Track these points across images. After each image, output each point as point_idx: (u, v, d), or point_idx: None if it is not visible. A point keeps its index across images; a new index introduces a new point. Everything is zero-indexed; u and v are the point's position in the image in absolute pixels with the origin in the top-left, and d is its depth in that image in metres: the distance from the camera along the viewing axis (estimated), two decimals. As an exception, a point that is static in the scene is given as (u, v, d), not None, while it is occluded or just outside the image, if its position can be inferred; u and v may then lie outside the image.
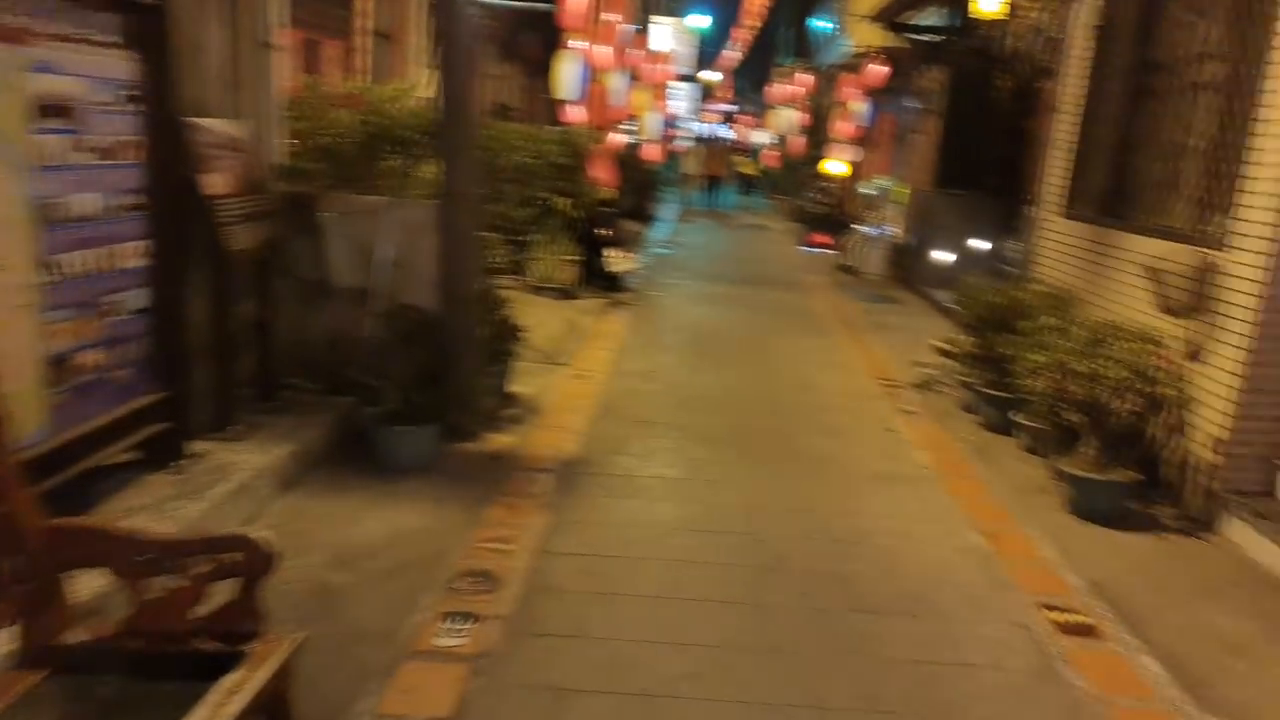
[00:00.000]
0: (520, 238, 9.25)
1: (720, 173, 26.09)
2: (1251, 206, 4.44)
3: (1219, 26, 4.95)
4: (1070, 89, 6.77)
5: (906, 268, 12.14)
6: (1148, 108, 5.76)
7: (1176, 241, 5.07)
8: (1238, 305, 4.51)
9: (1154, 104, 5.68)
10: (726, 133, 41.31)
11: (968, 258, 10.41)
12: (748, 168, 26.71)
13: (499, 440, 5.25)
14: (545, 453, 5.10)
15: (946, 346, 6.93)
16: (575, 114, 10.44)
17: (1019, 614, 3.63)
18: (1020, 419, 5.68)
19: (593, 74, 10.25)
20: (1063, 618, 3.59)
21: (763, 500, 4.69)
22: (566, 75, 9.49)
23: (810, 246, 16.38)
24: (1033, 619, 3.59)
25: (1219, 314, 4.64)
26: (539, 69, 11.38)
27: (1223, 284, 4.63)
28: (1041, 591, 3.82)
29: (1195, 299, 4.79)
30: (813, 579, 3.84)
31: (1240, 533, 4.37)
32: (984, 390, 6.20)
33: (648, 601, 3.58)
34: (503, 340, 5.76)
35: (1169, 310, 4.87)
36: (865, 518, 4.54)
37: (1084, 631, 3.50)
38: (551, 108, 11.37)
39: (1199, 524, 4.61)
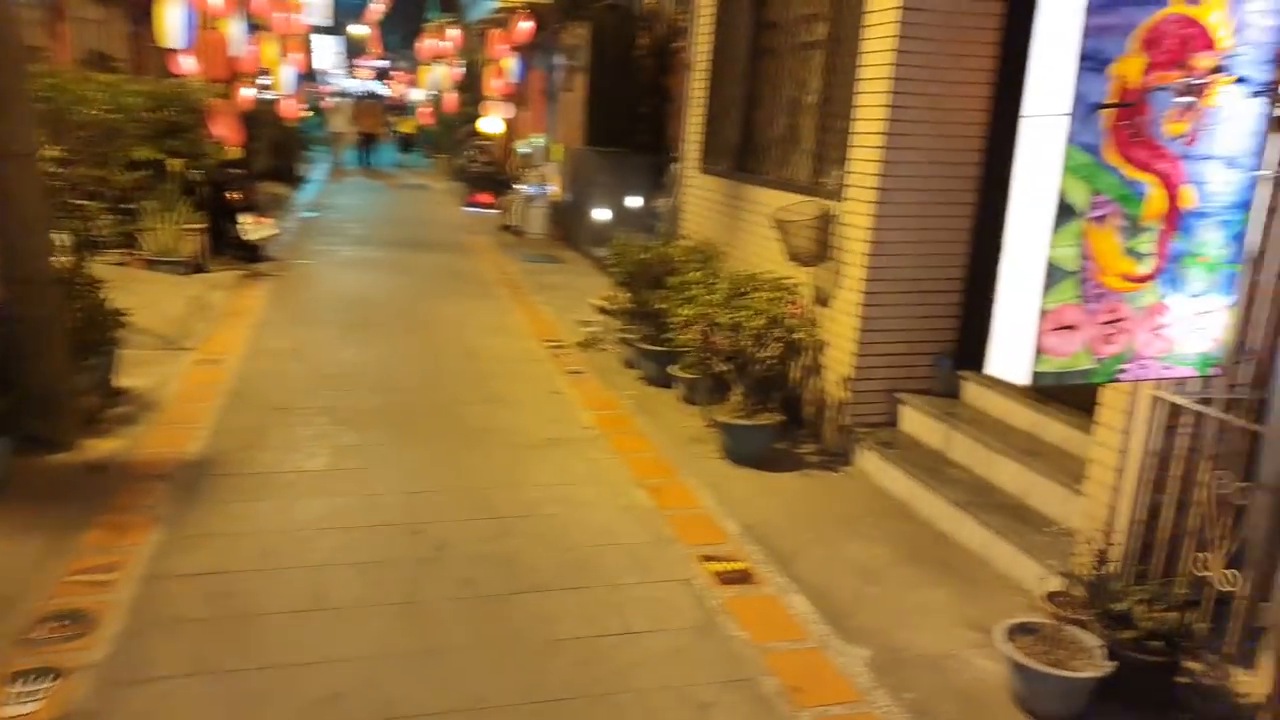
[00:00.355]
0: (128, 205, 7.98)
1: (376, 131, 24.83)
2: (859, 159, 4.78)
3: (825, -8, 5.26)
4: (700, 47, 6.97)
5: (568, 226, 12.20)
6: (768, 66, 6.06)
7: (799, 193, 5.38)
8: (853, 252, 4.85)
9: (773, 62, 5.97)
10: (382, 89, 39.45)
11: (624, 214, 10.61)
12: (405, 126, 25.62)
13: (101, 446, 4.42)
14: (162, 455, 4.38)
15: (605, 304, 6.96)
16: (186, 65, 9.16)
17: (681, 569, 3.64)
18: (677, 371, 5.82)
19: (203, 20, 9.02)
20: (721, 567, 3.65)
21: (422, 484, 4.36)
22: (171, 20, 8.25)
23: (473, 207, 16.01)
24: (694, 572, 3.61)
25: (840, 261, 4.98)
26: (145, 13, 9.85)
27: (840, 233, 4.97)
28: (702, 542, 3.88)
29: (819, 248, 5.10)
30: (476, 564, 3.59)
31: (870, 462, 4.76)
32: (642, 345, 6.28)
33: (287, 619, 3.13)
34: (99, 327, 4.86)
35: (797, 259, 5.16)
36: (531, 488, 4.37)
37: (741, 579, 3.58)
38: (163, 58, 9.92)
39: (838, 458, 4.97)
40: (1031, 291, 2.63)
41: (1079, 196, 2.56)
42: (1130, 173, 2.59)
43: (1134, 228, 2.64)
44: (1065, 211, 2.56)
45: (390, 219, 14.71)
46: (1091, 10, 2.44)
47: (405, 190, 19.46)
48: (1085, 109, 2.51)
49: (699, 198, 7.11)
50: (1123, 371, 2.77)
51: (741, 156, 6.41)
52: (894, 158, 4.63)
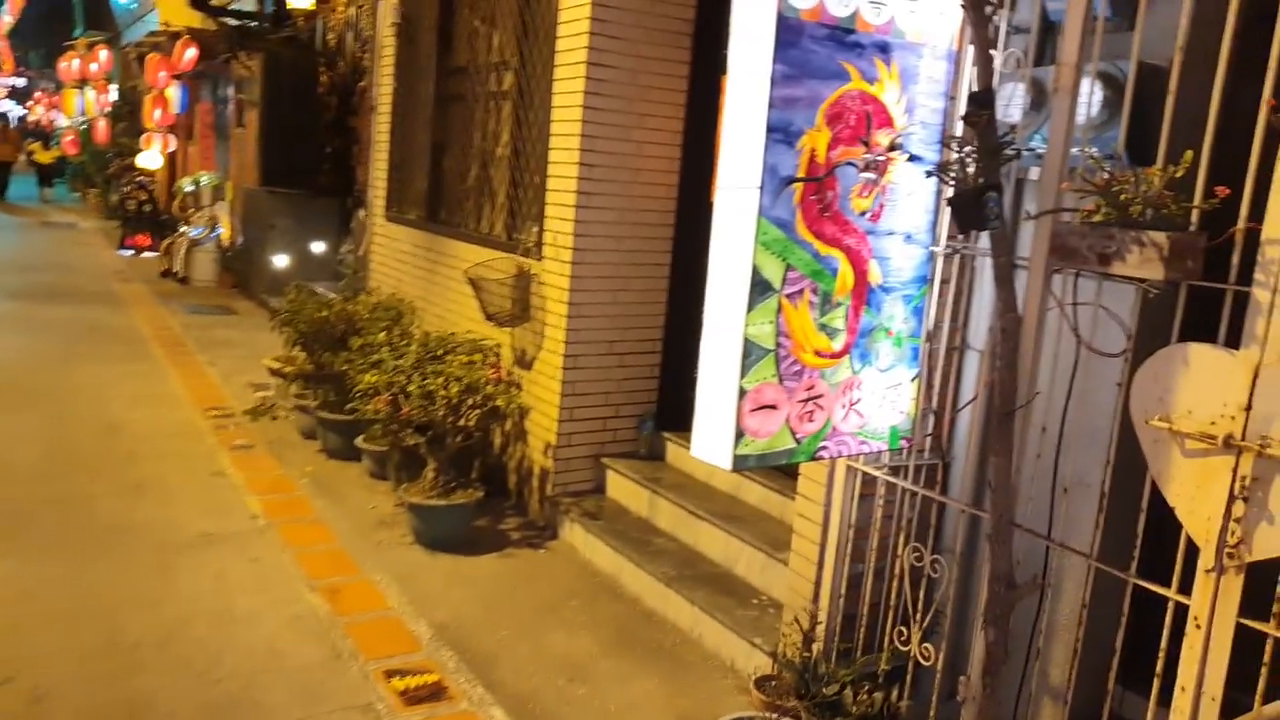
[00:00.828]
0: None
1: (10, 158, 21.48)
2: (554, 217, 4.55)
3: (508, 37, 5.03)
4: (384, 90, 6.51)
5: (242, 273, 11.05)
6: (458, 113, 5.72)
7: (497, 249, 5.07)
8: (554, 313, 4.61)
9: (462, 110, 5.65)
10: (18, 111, 34.49)
11: (307, 261, 9.77)
12: (44, 155, 22.39)
13: None
14: None
15: (279, 366, 6.21)
16: None
17: (361, 692, 3.12)
18: (363, 444, 5.25)
19: None
20: (409, 683, 3.17)
21: (22, 610, 3.46)
22: None
23: (129, 249, 14.16)
24: (377, 695, 3.10)
25: (541, 322, 4.71)
26: None
27: (540, 292, 4.71)
28: (387, 653, 3.37)
29: (519, 307, 4.81)
30: (90, 720, 2.84)
31: (576, 535, 4.49)
32: (323, 414, 5.63)
33: None
34: None
35: (495, 320, 4.83)
36: (176, 603, 3.63)
37: (432, 695, 3.12)
38: None
39: (544, 532, 4.65)
40: (731, 370, 2.47)
41: (773, 272, 2.44)
42: (821, 248, 2.52)
43: (826, 303, 2.57)
44: (761, 287, 2.43)
45: (24, 263, 12.55)
46: (777, 82, 2.33)
47: (47, 229, 16.85)
48: (777, 182, 2.39)
49: (388, 248, 6.59)
50: (823, 449, 2.69)
51: (434, 207, 6.00)
52: (588, 216, 4.45)
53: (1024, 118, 2.75)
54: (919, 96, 2.62)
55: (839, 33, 2.42)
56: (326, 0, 9.69)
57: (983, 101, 2.32)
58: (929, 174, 2.49)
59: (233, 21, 10.24)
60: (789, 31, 2.33)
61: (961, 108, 2.72)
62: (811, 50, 2.39)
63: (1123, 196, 2.07)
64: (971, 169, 2.29)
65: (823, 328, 2.57)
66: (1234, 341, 1.99)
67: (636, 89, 4.46)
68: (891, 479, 2.98)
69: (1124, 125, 2.32)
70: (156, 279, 11.84)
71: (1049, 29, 2.93)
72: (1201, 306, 2.14)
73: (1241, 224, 1.97)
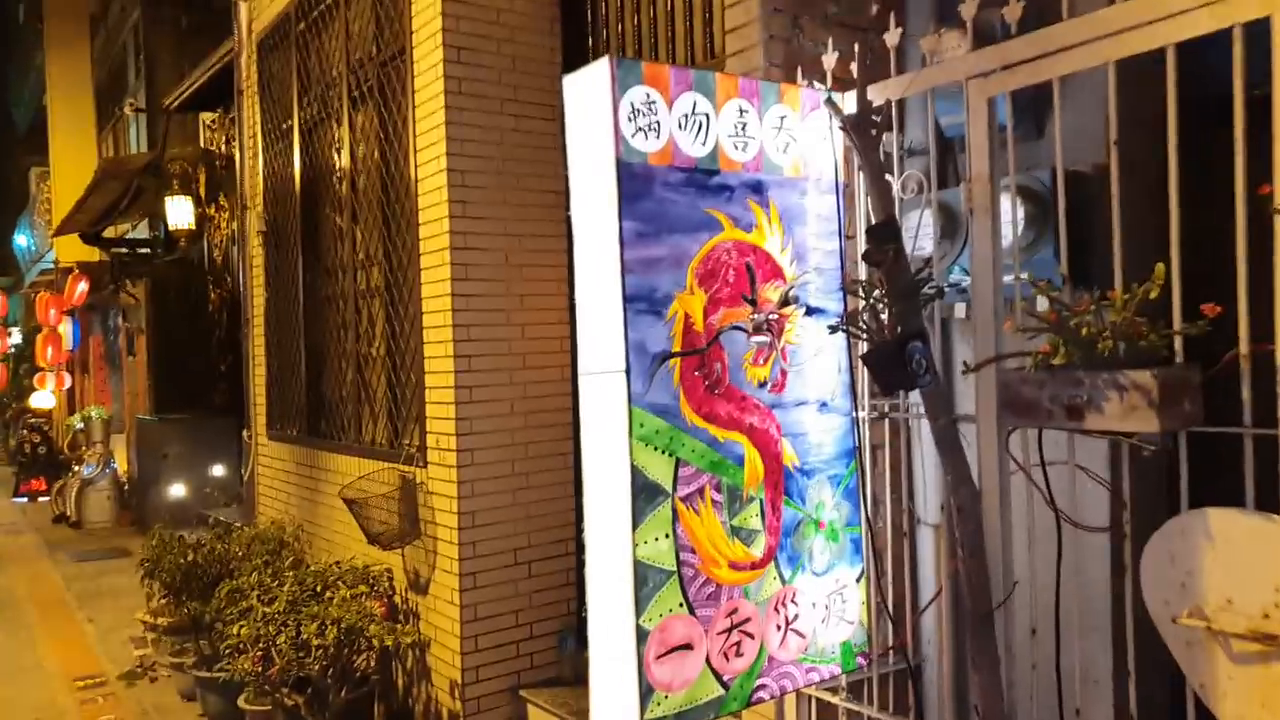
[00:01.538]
0: None
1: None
2: (435, 418, 4.01)
3: (373, 230, 4.64)
4: (257, 300, 6.05)
5: (139, 509, 10.17)
6: (330, 316, 5.25)
7: (380, 459, 4.48)
8: (443, 525, 3.99)
9: (334, 312, 5.18)
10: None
11: (207, 488, 9.02)
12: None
13: None
14: None
15: (150, 619, 5.40)
16: None
17: None
18: (245, 705, 4.43)
19: None
20: None
21: None
22: None
23: (24, 496, 13.16)
24: None
25: (432, 538, 4.08)
26: None
27: (427, 502, 4.10)
28: None
29: (406, 524, 4.18)
30: None
31: (493, 797, 3.70)
32: (200, 673, 4.80)
33: None
34: None
35: (379, 543, 4.18)
36: None
37: None
38: None
39: (455, 793, 3.85)
40: (624, 606, 1.89)
41: (661, 471, 1.91)
42: (718, 433, 2.01)
43: (735, 501, 2.03)
44: (648, 493, 1.89)
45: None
46: (630, 242, 1.88)
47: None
48: (648, 362, 1.90)
49: (273, 469, 5.94)
50: (760, 689, 2.08)
51: (314, 419, 5.42)
52: (473, 412, 3.92)
53: (936, 249, 2.35)
54: (809, 239, 2.20)
55: (699, 176, 2.00)
56: (210, 219, 9.40)
57: (886, 235, 1.89)
58: (834, 329, 2.03)
59: (123, 251, 9.88)
60: (636, 180, 1.90)
61: (862, 245, 2.30)
62: (668, 200, 1.95)
63: (1084, 331, 1.61)
64: (885, 316, 1.83)
65: (735, 532, 2.02)
66: (1267, 501, 1.49)
67: (512, 269, 4.04)
68: (853, 706, 2.36)
69: (1063, 241, 1.90)
70: (49, 526, 10.88)
71: (947, 148, 2.59)
72: (1200, 452, 1.66)
73: (1245, 347, 1.51)
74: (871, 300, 1.98)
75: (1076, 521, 1.85)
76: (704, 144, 2.00)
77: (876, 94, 2.16)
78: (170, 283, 9.78)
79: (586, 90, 1.93)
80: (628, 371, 1.86)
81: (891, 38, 2.18)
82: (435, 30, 3.95)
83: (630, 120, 1.89)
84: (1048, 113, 2.13)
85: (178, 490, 9.27)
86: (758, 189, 2.09)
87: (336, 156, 4.96)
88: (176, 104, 9.05)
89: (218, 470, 9.18)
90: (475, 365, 3.93)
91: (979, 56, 1.98)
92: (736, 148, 2.06)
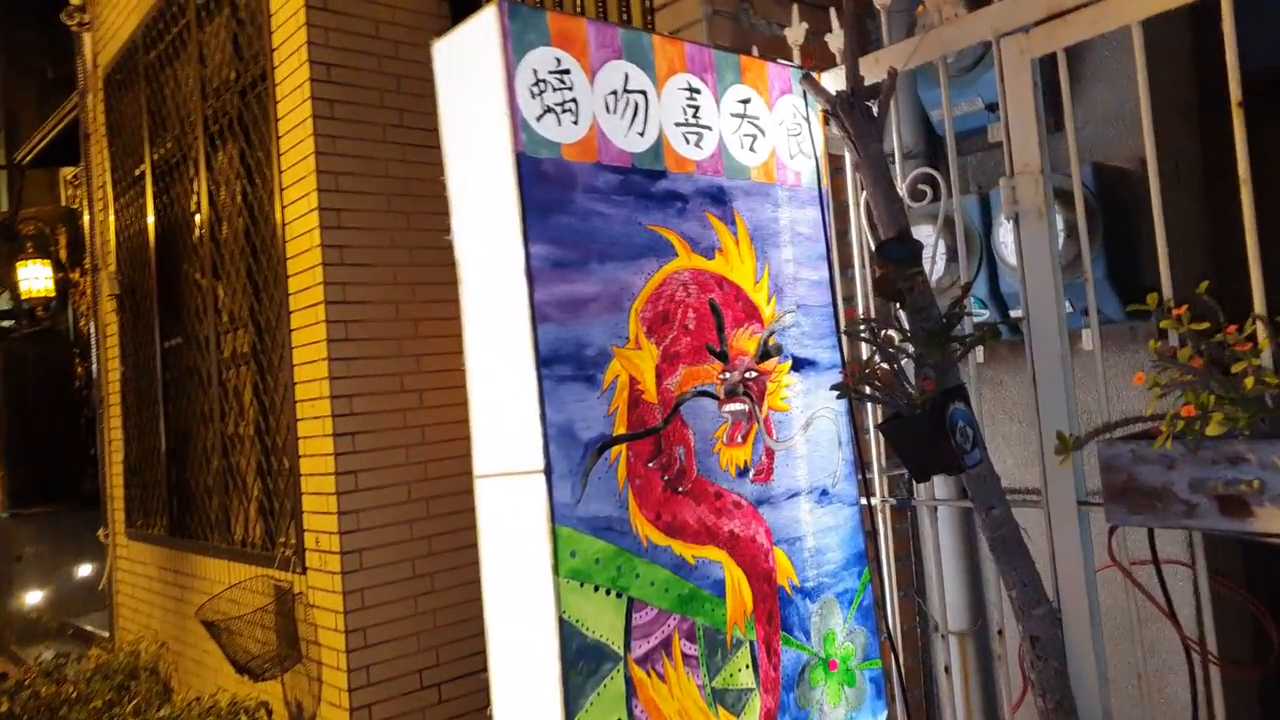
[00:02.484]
0: None
1: None
2: (314, 511, 3.27)
3: (238, 286, 3.90)
4: (112, 375, 5.20)
5: (-4, 618, 8.94)
6: (191, 390, 4.45)
7: (253, 563, 3.69)
8: (328, 646, 3.22)
9: (196, 385, 4.39)
10: None
11: (71, 593, 7.93)
12: None
13: None
14: None
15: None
16: None
17: None
18: None
19: None
20: None
21: None
22: None
23: None
24: None
25: (315, 660, 3.30)
26: None
27: (309, 617, 3.33)
28: None
29: (284, 646, 3.39)
30: None
31: None
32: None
33: None
34: None
35: (249, 672, 3.38)
36: None
37: None
38: None
39: None
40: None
41: (606, 623, 1.26)
42: (685, 550, 1.37)
43: (716, 651, 1.39)
44: (590, 659, 1.23)
45: None
46: (541, 275, 1.25)
47: None
48: (579, 454, 1.26)
49: (134, 575, 5.05)
50: None
51: (179, 514, 4.58)
52: (360, 503, 3.19)
53: (946, 273, 1.79)
54: (789, 265, 1.60)
55: (639, 179, 1.39)
56: (75, 284, 8.42)
57: (902, 255, 1.32)
58: (840, 392, 1.42)
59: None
60: (547, 184, 1.28)
61: (859, 271, 1.72)
62: (597, 213, 1.33)
63: (1249, 383, 1.03)
64: (908, 369, 1.24)
65: (719, 697, 1.38)
66: None
67: (405, 324, 3.36)
68: None
69: (1161, 245, 1.33)
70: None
71: (935, 146, 2.05)
72: None
73: None
74: (884, 345, 1.39)
75: (1216, 655, 1.27)
76: (642, 134, 1.40)
77: (870, 68, 1.60)
78: (27, 357, 8.72)
79: (466, 55, 1.31)
80: (548, 472, 1.22)
81: (884, -8, 1.62)
82: (300, 44, 3.29)
83: (535, 96, 1.27)
84: (1073, 96, 1.60)
85: (34, 597, 8.16)
86: (719, 198, 1.49)
87: (195, 203, 4.22)
88: (30, 158, 8.13)
89: (85, 570, 8.11)
90: (361, 444, 3.21)
91: (1014, 5, 1.43)
92: (688, 140, 1.46)
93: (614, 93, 1.37)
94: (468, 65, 1.31)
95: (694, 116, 1.47)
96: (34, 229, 8.19)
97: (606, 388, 1.30)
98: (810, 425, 1.54)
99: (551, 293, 1.26)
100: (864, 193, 1.66)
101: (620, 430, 1.30)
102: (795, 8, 1.80)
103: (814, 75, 1.61)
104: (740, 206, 1.52)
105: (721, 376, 1.44)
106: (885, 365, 1.39)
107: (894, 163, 1.89)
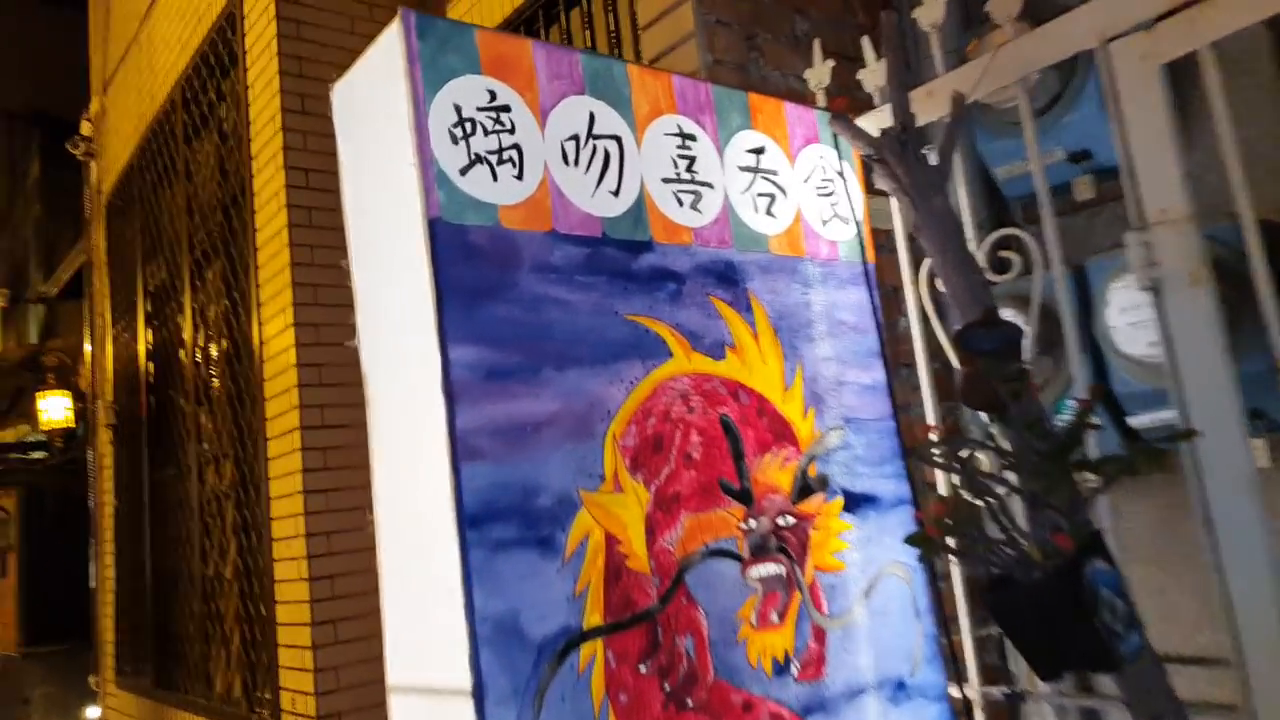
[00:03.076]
0: None
1: None
2: (291, 667, 2.82)
3: (224, 413, 3.56)
4: (106, 509, 4.87)
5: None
6: (177, 527, 4.08)
7: (233, 725, 3.23)
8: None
9: (181, 521, 4.02)
10: None
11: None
12: None
13: None
14: None
15: None
16: None
17: None
18: None
19: None
20: None
21: None
22: None
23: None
24: None
25: None
26: None
27: (286, 797, 2.84)
28: None
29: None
30: None
31: None
32: None
33: None
34: None
35: None
36: None
37: None
38: None
39: None
40: None
41: None
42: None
43: None
44: None
45: None
46: (465, 394, 0.84)
47: None
48: (529, 661, 0.83)
49: (122, 731, 4.59)
50: None
51: (164, 662, 4.14)
52: (339, 658, 2.73)
53: (1041, 373, 1.36)
54: (829, 365, 1.18)
55: (612, 252, 1.00)
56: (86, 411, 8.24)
57: (996, 344, 0.89)
58: (918, 547, 0.97)
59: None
60: (477, 260, 0.89)
61: (923, 369, 1.31)
62: (550, 298, 0.93)
63: None
64: (1011, 503, 0.80)
65: None
66: None
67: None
68: None
69: None
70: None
71: (999, 214, 1.66)
72: None
73: None
74: (979, 478, 0.96)
75: None
76: (616, 193, 1.01)
77: (921, 105, 1.22)
78: (47, 491, 8.51)
79: (366, 93, 0.95)
80: (479, 694, 0.79)
81: (933, 10, 1.25)
82: (277, 150, 3.02)
83: (457, 141, 0.90)
84: (1183, 131, 1.21)
85: (48, 743, 7.67)
86: (728, 276, 1.10)
87: (181, 326, 3.95)
88: (56, 291, 8.09)
89: (94, 713, 7.63)
90: (341, 588, 2.77)
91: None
92: (682, 201, 1.07)
93: (574, 138, 0.99)
94: (368, 105, 0.95)
95: (688, 170, 1.09)
96: (56, 360, 8.07)
97: (571, 554, 0.88)
98: (874, 589, 1.10)
99: (483, 415, 0.85)
100: (924, 265, 1.26)
101: (594, 619, 0.87)
102: (817, 44, 1.44)
103: (848, 116, 1.23)
104: (758, 287, 1.12)
105: (744, 526, 1.01)
106: (977, 502, 0.96)
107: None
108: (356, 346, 0.96)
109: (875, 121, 1.27)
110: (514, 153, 0.94)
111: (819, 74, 1.42)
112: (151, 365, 4.31)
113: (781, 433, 1.09)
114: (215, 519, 3.68)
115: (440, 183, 0.88)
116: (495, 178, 0.92)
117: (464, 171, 0.90)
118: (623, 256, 1.00)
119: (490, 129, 0.93)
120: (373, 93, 0.94)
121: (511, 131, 0.94)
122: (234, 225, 3.40)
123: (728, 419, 1.05)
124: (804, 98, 1.55)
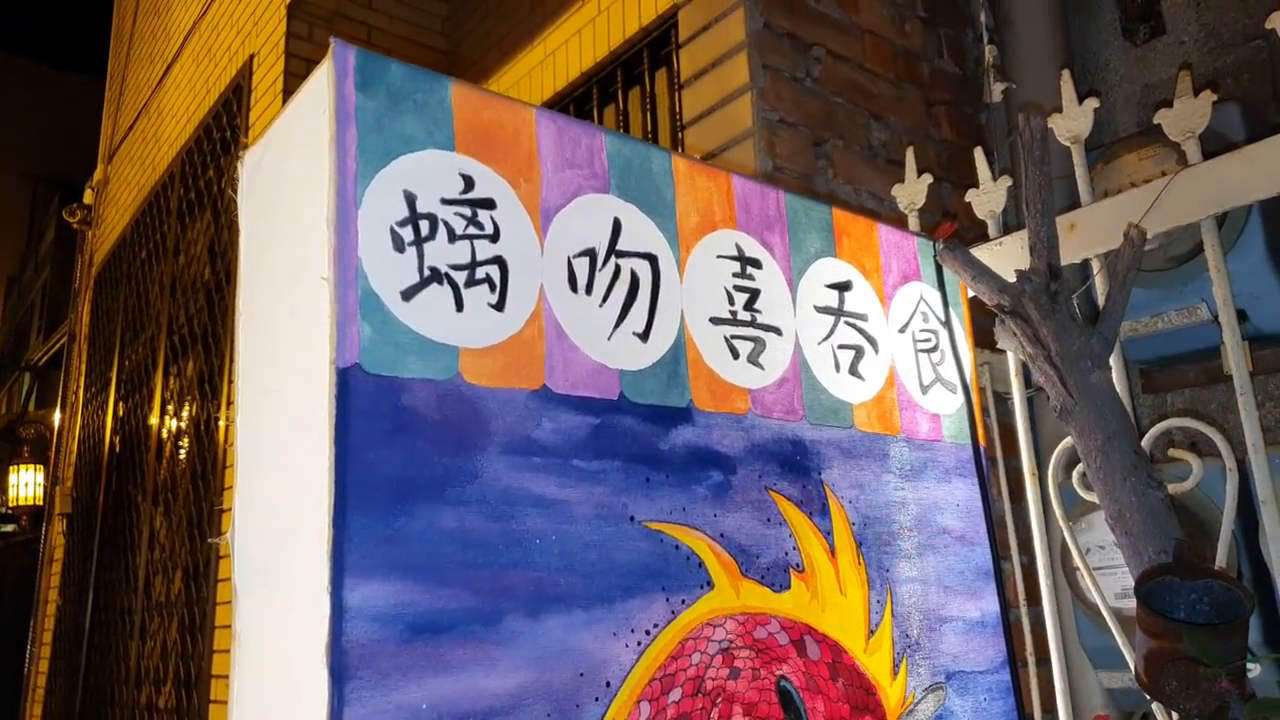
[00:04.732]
0: None
1: None
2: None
3: (176, 522, 3.19)
4: (49, 604, 4.44)
5: None
6: (115, 642, 3.65)
7: None
8: None
9: (119, 633, 3.59)
10: None
11: None
12: None
13: None
14: None
15: None
16: None
17: None
18: None
19: None
20: None
21: None
22: None
23: None
24: None
25: None
26: None
27: None
28: None
29: None
30: None
31: None
32: None
33: None
34: None
35: None
36: None
37: None
38: None
39: None
40: None
41: None
42: None
43: None
44: None
45: None
46: (363, 657, 0.47)
47: None
48: None
49: None
50: None
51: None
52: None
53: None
54: (929, 594, 0.82)
55: (631, 423, 0.65)
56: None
57: (1217, 618, 0.48)
58: None
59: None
60: (413, 437, 0.53)
61: (1050, 610, 0.94)
62: (529, 495, 0.58)
63: None
64: None
65: None
66: None
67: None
68: None
69: None
70: None
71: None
72: None
73: None
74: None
75: None
76: (644, 335, 0.68)
77: (1064, 237, 0.89)
78: (9, 571, 8.01)
79: (278, 164, 0.63)
80: None
81: (1077, 118, 0.94)
82: (267, 233, 2.75)
83: (403, 246, 0.57)
84: None
85: None
86: (797, 462, 0.76)
87: (149, 416, 3.61)
88: (42, 359, 7.80)
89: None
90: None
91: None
92: (738, 353, 0.74)
93: (588, 253, 0.67)
94: (280, 185, 0.63)
95: (748, 308, 0.76)
96: (34, 433, 7.72)
97: None
98: None
99: (392, 707, 0.50)
100: (1057, 453, 0.92)
101: None
102: (910, 152, 1.14)
103: (957, 252, 0.91)
104: (837, 479, 0.78)
105: None
106: None
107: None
108: (220, 544, 0.62)
109: (994, 259, 0.95)
110: (494, 269, 0.61)
111: (912, 191, 1.11)
112: (116, 453, 3.97)
113: (864, 703, 0.73)
114: (156, 638, 3.27)
115: (367, 310, 0.55)
116: (460, 306, 0.59)
117: (409, 294, 0.57)
118: (647, 431, 0.66)
119: (460, 232, 0.60)
120: (283, 167, 0.61)
121: (493, 238, 0.62)
122: (215, 311, 3.11)
123: (787, 684, 0.68)
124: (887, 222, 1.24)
